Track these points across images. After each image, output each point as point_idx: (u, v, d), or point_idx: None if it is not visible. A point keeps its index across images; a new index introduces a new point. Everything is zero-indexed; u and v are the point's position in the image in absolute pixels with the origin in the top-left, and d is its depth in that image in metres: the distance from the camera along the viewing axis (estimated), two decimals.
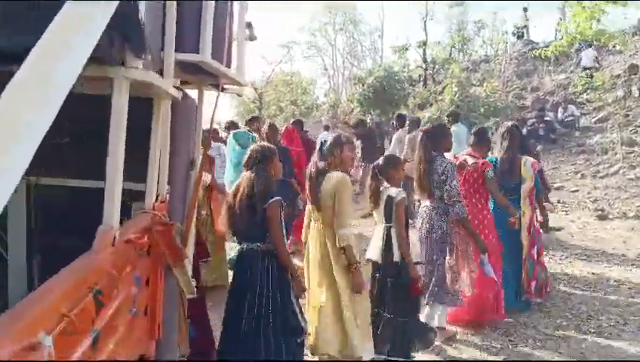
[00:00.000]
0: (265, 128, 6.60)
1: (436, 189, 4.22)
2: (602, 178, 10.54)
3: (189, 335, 3.17)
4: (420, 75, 19.21)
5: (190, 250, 3.02)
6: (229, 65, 2.80)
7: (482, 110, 14.26)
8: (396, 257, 3.68)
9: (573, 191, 10.33)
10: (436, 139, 4.36)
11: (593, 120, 13.39)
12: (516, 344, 4.32)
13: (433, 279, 4.22)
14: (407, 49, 18.40)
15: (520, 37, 20.23)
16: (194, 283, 3.33)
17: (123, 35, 1.38)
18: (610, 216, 8.66)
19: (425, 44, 17.96)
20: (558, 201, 9.88)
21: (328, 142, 3.65)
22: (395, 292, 3.70)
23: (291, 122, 9.31)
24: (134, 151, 2.30)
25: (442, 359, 4.09)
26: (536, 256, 5.00)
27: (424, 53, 18.06)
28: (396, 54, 18.70)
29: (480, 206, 4.67)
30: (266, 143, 3.77)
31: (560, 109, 13.68)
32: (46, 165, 2.28)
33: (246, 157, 3.32)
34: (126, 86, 1.50)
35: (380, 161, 3.99)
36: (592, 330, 4.53)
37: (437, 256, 4.23)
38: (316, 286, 3.60)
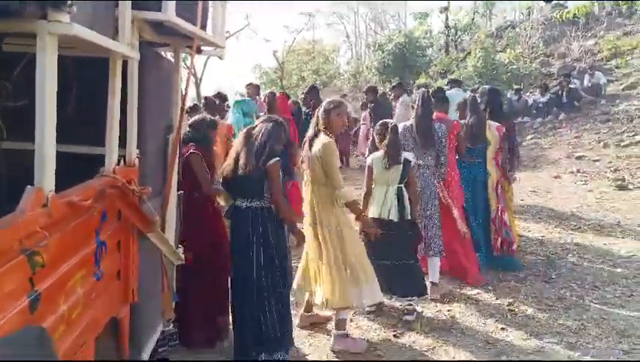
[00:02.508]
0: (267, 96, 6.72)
1: (432, 150, 4.59)
2: (626, 147, 10.16)
3: (174, 299, 3.20)
4: (445, 42, 18.68)
5: (171, 214, 3.02)
6: (203, 27, 2.72)
7: (505, 77, 13.83)
8: (409, 215, 4.07)
9: (594, 161, 10.00)
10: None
11: (621, 87, 12.84)
12: (516, 313, 4.24)
13: (429, 233, 4.59)
14: (427, 15, 17.85)
15: (548, 0, 19.32)
16: (181, 251, 3.38)
17: None
18: (630, 186, 8.36)
19: (447, 9, 17.37)
20: (578, 171, 9.60)
21: (320, 108, 3.75)
22: (403, 244, 4.09)
23: (307, 90, 9.58)
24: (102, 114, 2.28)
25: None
26: (500, 215, 5.24)
27: (446, 19, 17.48)
28: (417, 20, 18.16)
29: (450, 167, 4.85)
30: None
31: (586, 76, 13.13)
32: (8, 129, 2.27)
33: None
34: (51, 41, 1.45)
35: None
36: (596, 301, 4.41)
37: (430, 211, 4.61)
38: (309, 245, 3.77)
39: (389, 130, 4.09)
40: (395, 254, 4.05)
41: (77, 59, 2.32)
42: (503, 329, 3.98)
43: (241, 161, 3.23)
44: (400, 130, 4.39)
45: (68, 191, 1.71)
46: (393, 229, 4.04)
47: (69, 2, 1.39)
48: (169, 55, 3.11)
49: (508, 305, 4.38)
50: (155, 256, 2.88)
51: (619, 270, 5.11)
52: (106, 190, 1.94)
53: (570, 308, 4.31)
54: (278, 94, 8.48)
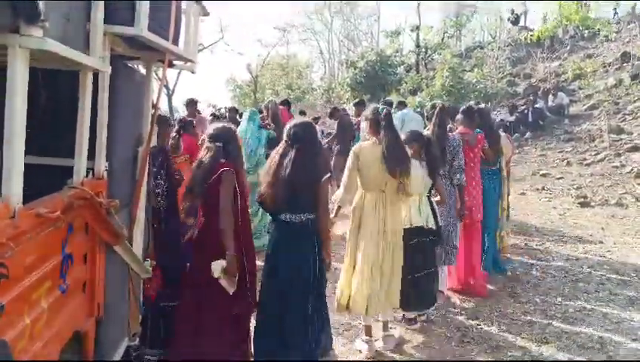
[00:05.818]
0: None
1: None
2: (588, 165, 10.53)
3: (140, 313, 3.16)
4: (415, 60, 19.07)
5: (139, 227, 2.99)
6: (176, 41, 2.74)
7: (473, 96, 14.21)
8: (440, 222, 4.32)
9: (558, 179, 10.32)
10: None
11: (583, 107, 13.34)
12: (481, 327, 4.32)
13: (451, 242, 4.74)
14: (399, 33, 18.24)
15: (515, 23, 20.03)
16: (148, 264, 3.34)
17: (12, 1, 1.33)
18: (592, 204, 8.66)
19: (418, 28, 17.79)
20: (543, 188, 9.89)
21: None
22: (429, 251, 4.23)
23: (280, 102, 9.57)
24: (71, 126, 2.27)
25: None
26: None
27: (417, 38, 17.89)
28: (389, 38, 18.53)
29: (472, 175, 4.99)
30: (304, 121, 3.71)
31: (550, 96, 13.61)
32: None
33: (288, 132, 3.35)
34: (23, 55, 1.45)
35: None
36: (558, 316, 4.54)
37: (452, 219, 4.75)
38: (374, 251, 3.78)
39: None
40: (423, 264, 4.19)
41: (46, 70, 2.31)
42: (468, 342, 4.06)
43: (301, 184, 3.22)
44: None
45: (35, 202, 1.70)
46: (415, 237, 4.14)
47: (42, 18, 1.40)
48: (141, 68, 3.12)
49: (474, 319, 4.47)
50: (122, 268, 2.85)
51: (580, 284, 5.27)
52: (74, 202, 1.93)
53: (534, 322, 4.42)
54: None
